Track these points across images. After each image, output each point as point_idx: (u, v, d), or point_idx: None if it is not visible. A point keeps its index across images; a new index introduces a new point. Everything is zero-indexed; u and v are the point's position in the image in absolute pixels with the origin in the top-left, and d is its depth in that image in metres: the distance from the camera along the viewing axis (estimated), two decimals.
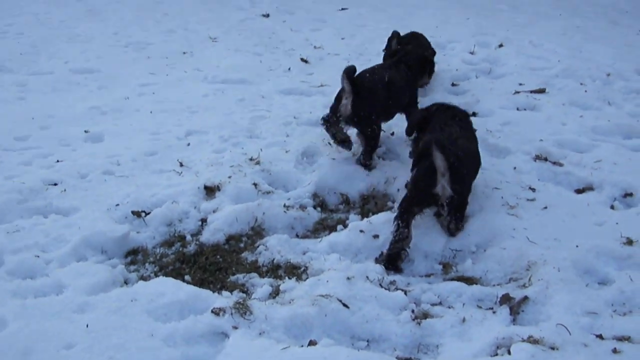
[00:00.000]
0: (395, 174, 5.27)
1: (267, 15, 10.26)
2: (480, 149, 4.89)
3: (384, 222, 4.59)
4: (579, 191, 5.13)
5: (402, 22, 9.96)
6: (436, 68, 7.74)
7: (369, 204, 5.10)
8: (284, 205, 4.90)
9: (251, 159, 5.44)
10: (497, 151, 5.65)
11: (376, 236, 4.50)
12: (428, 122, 4.89)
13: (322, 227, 4.82)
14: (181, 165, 5.40)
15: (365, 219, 4.71)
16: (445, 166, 4.25)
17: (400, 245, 4.32)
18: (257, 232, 4.67)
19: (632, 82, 7.21)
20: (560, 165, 5.40)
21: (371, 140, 5.33)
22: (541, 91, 6.90)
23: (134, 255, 4.44)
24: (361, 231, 4.54)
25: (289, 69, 7.77)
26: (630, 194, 5.03)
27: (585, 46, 8.64)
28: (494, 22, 9.80)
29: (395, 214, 4.44)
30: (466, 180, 4.48)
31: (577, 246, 4.30)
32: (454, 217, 4.49)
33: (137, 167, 5.37)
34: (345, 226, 4.73)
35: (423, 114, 5.04)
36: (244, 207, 4.77)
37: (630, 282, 3.99)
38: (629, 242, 4.36)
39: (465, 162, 4.43)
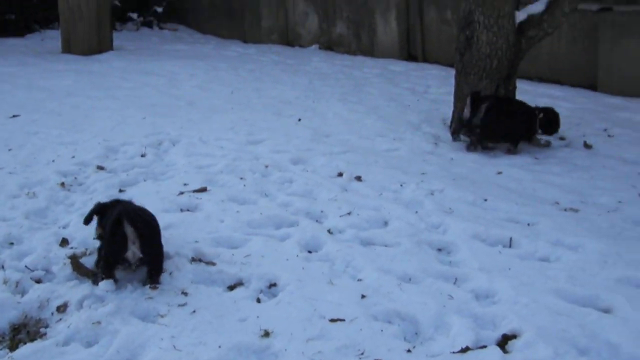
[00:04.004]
0: (49, 296, 5.21)
1: None
2: None
3: (29, 355, 4.50)
4: (231, 288, 5.48)
5: (77, 126, 9.98)
6: (105, 175, 7.85)
7: (21, 333, 4.95)
8: None
9: None
10: None
11: None
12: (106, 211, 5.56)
13: None
14: None
15: (9, 354, 4.56)
16: (135, 234, 5.10)
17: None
18: None
19: (287, 172, 7.94)
20: (213, 264, 5.73)
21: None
22: (203, 190, 7.29)
23: None
24: None
25: None
26: (275, 284, 5.50)
27: (250, 138, 9.31)
28: (170, 120, 10.19)
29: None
30: (154, 243, 5.35)
31: (219, 347, 4.59)
32: (151, 274, 5.32)
33: None
34: None
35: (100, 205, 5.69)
36: None
37: None
38: (266, 334, 4.76)
39: (152, 227, 5.43)
